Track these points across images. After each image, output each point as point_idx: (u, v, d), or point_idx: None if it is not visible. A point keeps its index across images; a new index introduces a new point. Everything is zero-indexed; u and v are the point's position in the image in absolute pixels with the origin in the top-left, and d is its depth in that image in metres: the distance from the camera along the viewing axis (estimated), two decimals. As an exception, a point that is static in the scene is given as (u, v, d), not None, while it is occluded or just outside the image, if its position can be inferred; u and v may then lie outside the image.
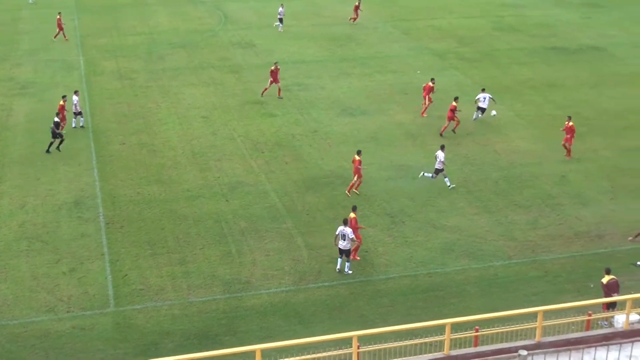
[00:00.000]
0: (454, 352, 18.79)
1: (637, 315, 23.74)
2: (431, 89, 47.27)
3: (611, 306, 26.09)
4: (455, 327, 19.37)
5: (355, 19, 67.88)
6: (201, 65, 56.55)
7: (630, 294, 23.16)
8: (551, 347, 18.62)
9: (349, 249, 30.87)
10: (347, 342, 18.72)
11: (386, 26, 67.56)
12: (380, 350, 19.73)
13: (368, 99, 50.16)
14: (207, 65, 56.41)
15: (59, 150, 41.47)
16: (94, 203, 36.42)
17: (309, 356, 18.78)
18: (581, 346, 18.57)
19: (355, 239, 31.41)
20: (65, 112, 43.22)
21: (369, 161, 38.96)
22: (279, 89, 49.69)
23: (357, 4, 68.02)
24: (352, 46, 61.68)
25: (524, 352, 17.30)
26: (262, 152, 41.96)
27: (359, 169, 36.87)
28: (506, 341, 19.80)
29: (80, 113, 44.63)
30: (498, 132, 45.14)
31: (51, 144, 41.45)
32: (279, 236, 33.88)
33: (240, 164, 40.58)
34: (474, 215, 35.84)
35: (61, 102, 43.51)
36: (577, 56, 60.01)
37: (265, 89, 49.75)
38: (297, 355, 18.77)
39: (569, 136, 41.18)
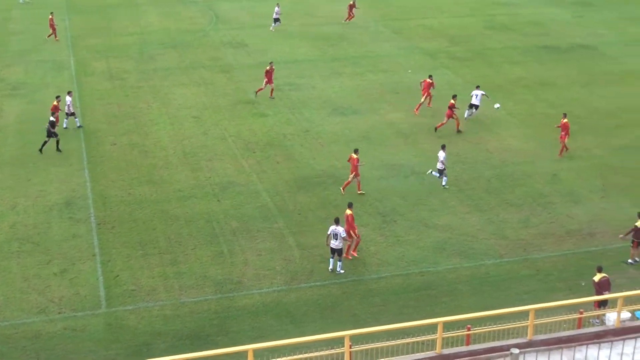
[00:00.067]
0: (446, 351, 18.78)
1: (629, 313, 23.82)
2: (430, 85, 47.56)
3: (603, 304, 26.16)
4: (447, 326, 19.37)
5: (349, 18, 67.80)
6: (192, 65, 56.46)
7: (622, 291, 23.20)
8: (543, 346, 18.62)
9: (341, 248, 30.85)
10: (339, 341, 18.70)
11: (377, 25, 67.55)
12: (372, 349, 19.71)
13: (359, 98, 50.15)
14: (198, 65, 56.33)
15: (60, 151, 41.30)
16: (85, 204, 36.32)
17: (301, 356, 18.75)
18: (573, 344, 18.58)
19: (349, 237, 31.59)
20: (58, 112, 43.08)
21: (360, 161, 38.89)
22: (272, 90, 49.62)
23: (351, 3, 67.95)
24: (343, 46, 61.67)
25: (515, 351, 17.29)
26: (254, 152, 41.91)
27: (357, 167, 36.86)
28: (498, 340, 19.81)
29: (73, 114, 44.49)
30: (490, 130, 45.18)
31: (45, 143, 41.30)
32: (271, 236, 33.85)
33: (232, 163, 40.52)
34: (465, 214, 35.86)
35: (55, 102, 43.39)
36: (569, 55, 60.12)
37: (260, 89, 49.66)
38: (289, 355, 18.74)
39: (563, 133, 41.34)
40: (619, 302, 19.68)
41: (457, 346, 19.91)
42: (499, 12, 72.85)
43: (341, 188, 37.32)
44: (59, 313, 28.60)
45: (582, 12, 73.61)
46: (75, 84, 51.76)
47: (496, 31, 66.52)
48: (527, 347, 18.45)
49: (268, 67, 49.60)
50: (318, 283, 30.67)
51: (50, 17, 61.40)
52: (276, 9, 65.23)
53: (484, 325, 20.77)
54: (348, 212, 31.91)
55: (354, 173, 36.99)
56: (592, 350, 18.38)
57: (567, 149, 41.84)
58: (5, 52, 59.36)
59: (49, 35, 61.49)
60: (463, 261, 32.30)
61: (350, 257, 32.11)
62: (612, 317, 21.22)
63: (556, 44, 62.87)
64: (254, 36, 63.89)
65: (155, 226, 34.52)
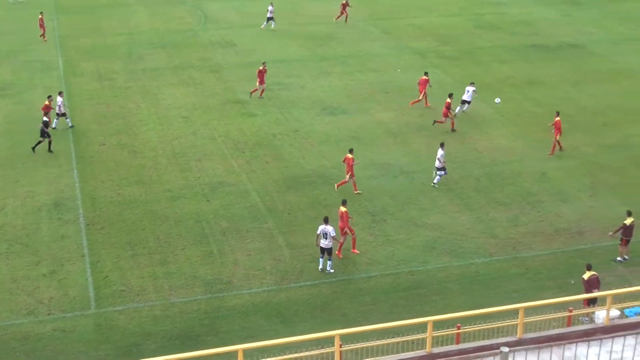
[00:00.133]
0: (436, 350, 18.80)
1: (618, 311, 23.91)
2: (426, 82, 47.89)
3: (592, 302, 26.24)
4: (437, 325, 19.36)
5: (339, 17, 67.79)
6: (181, 65, 56.36)
7: (611, 289, 23.28)
8: (532, 344, 18.66)
9: (331, 248, 30.85)
10: (329, 341, 18.68)
11: (366, 25, 67.57)
12: (362, 348, 19.70)
13: (349, 97, 50.16)
14: (187, 65, 56.23)
15: (51, 152, 41.18)
16: (74, 204, 36.22)
17: (291, 355, 18.73)
18: (562, 342, 18.63)
19: (344, 234, 31.75)
20: (50, 112, 42.91)
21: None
22: (262, 90, 49.54)
23: (344, 2, 67.97)
24: (332, 45, 61.67)
25: (505, 349, 17.31)
26: (243, 152, 41.87)
27: (352, 166, 36.86)
28: (488, 338, 19.83)
29: (64, 114, 44.34)
30: (479, 129, 45.25)
31: (39, 142, 41.19)
32: (260, 236, 33.82)
33: (221, 163, 40.47)
34: (455, 213, 35.91)
35: (46, 102, 43.22)
36: (557, 54, 60.28)
37: (255, 90, 49.59)
38: (279, 355, 18.72)
39: (555, 131, 41.54)
40: (608, 300, 19.74)
41: (447, 345, 19.92)
42: (488, 12, 72.98)
43: (336, 185, 37.36)
44: (48, 314, 28.51)
45: (570, 11, 73.80)
46: (64, 85, 51.59)
47: (485, 30, 66.64)
48: (517, 346, 18.48)
49: (261, 67, 49.58)
50: (308, 283, 30.66)
51: (40, 16, 61.20)
52: (270, 7, 65.18)
53: (474, 324, 20.79)
54: (343, 209, 31.97)
55: (349, 173, 37.00)
56: (582, 348, 18.43)
57: (560, 147, 41.96)
58: (-7, 53, 59.20)
59: (41, 35, 61.30)
60: (453, 260, 32.34)
61: (358, 252, 32.34)
62: (601, 315, 21.30)
63: (544, 42, 63.02)
64: (243, 36, 63.84)
65: (144, 226, 34.45)
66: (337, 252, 31.87)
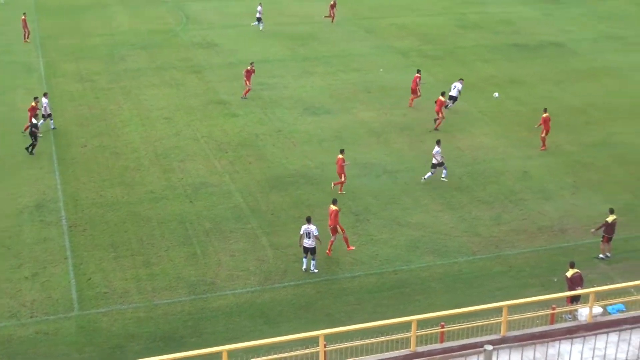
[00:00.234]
0: (420, 349, 18.82)
1: (600, 308, 24.01)
2: (418, 79, 48.27)
3: (575, 299, 26.37)
4: (421, 324, 19.37)
5: (328, 17, 67.83)
6: (163, 66, 56.16)
7: (593, 287, 23.40)
8: (516, 342, 18.72)
9: (315, 247, 30.84)
10: (313, 341, 18.67)
11: (349, 24, 67.59)
12: (347, 348, 19.68)
13: (332, 97, 50.16)
14: (168, 66, 56.05)
15: (33, 154, 40.88)
16: (56, 206, 36.03)
17: (275, 356, 18.68)
18: (546, 340, 18.69)
19: (335, 233, 31.88)
20: (35, 114, 42.60)
21: (333, 160, 38.96)
22: (247, 90, 49.43)
23: (332, 2, 68.06)
24: (314, 45, 61.66)
25: (489, 347, 17.34)
26: (226, 152, 41.78)
27: (343, 166, 36.87)
28: (472, 336, 19.85)
29: (49, 115, 44.09)
30: (462, 128, 45.36)
31: (34, 147, 41.03)
32: (244, 236, 33.76)
33: (204, 164, 40.37)
34: (438, 212, 35.98)
35: (32, 104, 42.88)
36: (539, 52, 60.53)
37: (248, 90, 49.48)
38: (264, 356, 18.66)
39: (544, 127, 41.94)
40: (591, 298, 19.82)
41: (431, 344, 19.93)
42: (470, 11, 73.17)
43: (332, 184, 37.48)
44: (31, 317, 28.35)
45: (550, 9, 74.12)
46: (45, 86, 51.28)
47: (467, 30, 66.82)
48: (501, 344, 18.53)
49: (249, 67, 49.53)
50: (292, 283, 30.64)
51: (23, 17, 60.83)
52: (259, 8, 65.13)
53: (458, 323, 20.83)
54: (333, 207, 31.96)
55: (343, 174, 37.03)
56: (565, 346, 18.50)
57: (543, 143, 42.19)
58: (-27, 54, 58.77)
59: (27, 36, 60.95)
60: (436, 259, 32.40)
61: (353, 247, 32.56)
62: (584, 313, 21.37)
63: (526, 41, 63.29)
64: (224, 36, 63.70)
65: (127, 228, 34.31)
66: (327, 251, 31.94)
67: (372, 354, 19.14)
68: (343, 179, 37.22)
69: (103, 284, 30.37)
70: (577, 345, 18.30)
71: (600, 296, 23.27)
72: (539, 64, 57.41)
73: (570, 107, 49.01)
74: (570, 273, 27.45)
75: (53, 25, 66.48)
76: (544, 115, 42.06)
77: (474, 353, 18.35)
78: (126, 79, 53.24)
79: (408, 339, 19.06)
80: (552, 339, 18.75)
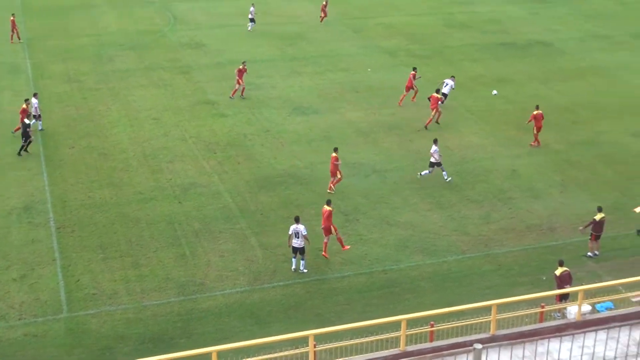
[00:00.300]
0: (410, 348, 18.81)
1: (589, 306, 24.10)
2: (414, 77, 48.29)
3: (564, 298, 26.42)
4: (411, 323, 19.41)
5: (324, 16, 67.90)
6: (151, 66, 56.02)
7: (582, 285, 23.48)
8: (505, 340, 18.74)
9: (304, 247, 30.83)
10: (303, 341, 18.64)
11: (336, 24, 67.54)
12: (336, 348, 19.72)
13: (320, 97, 50.15)
14: (156, 67, 55.90)
15: (20, 155, 40.74)
16: (44, 208, 35.90)
17: (265, 356, 18.69)
18: (535, 338, 18.71)
19: (329, 233, 31.89)
20: (25, 115, 42.41)
21: (321, 160, 39.05)
22: (235, 90, 49.37)
23: (324, 3, 68.13)
24: (302, 45, 61.61)
25: (479, 346, 17.35)
26: (215, 153, 41.72)
27: (337, 165, 36.85)
28: (461, 335, 19.90)
29: (39, 116, 43.90)
30: (450, 128, 45.41)
31: (29, 144, 40.90)
32: (233, 237, 33.73)
33: (193, 165, 40.30)
34: (427, 211, 36.03)
35: (24, 106, 42.56)
36: (526, 51, 60.66)
37: (243, 89, 49.44)
38: (253, 356, 18.67)
39: (537, 124, 42.17)
40: (580, 296, 19.88)
41: (420, 343, 19.95)
42: (458, 10, 73.25)
43: (331, 184, 37.44)
44: (19, 319, 28.25)
45: (537, 9, 74.26)
46: (32, 87, 51.05)
47: (455, 29, 66.88)
48: (490, 342, 18.55)
49: (241, 67, 49.43)
50: (281, 283, 30.63)
51: (12, 18, 60.55)
52: (251, 8, 65.01)
53: (447, 322, 20.89)
54: (327, 208, 31.94)
55: (338, 172, 37.03)
56: (554, 344, 18.54)
57: (535, 139, 42.41)
58: (-40, 56, 58.46)
59: (18, 37, 60.69)
60: (425, 258, 32.45)
61: (347, 248, 32.66)
62: (573, 311, 21.43)
63: (513, 40, 63.41)
64: (212, 36, 63.57)
65: (116, 229, 34.23)
66: (323, 253, 31.97)
67: (361, 353, 19.16)
68: (339, 177, 37.20)
69: (92, 285, 30.29)
70: (566, 344, 18.35)
71: (589, 294, 23.38)
72: (527, 63, 57.56)
73: (558, 106, 49.11)
74: (559, 271, 27.55)
75: (40, 26, 66.18)
76: (535, 112, 42.18)
77: (464, 352, 18.37)
78: (114, 79, 53.07)
79: (398, 339, 19.06)
80: (541, 337, 18.78)
